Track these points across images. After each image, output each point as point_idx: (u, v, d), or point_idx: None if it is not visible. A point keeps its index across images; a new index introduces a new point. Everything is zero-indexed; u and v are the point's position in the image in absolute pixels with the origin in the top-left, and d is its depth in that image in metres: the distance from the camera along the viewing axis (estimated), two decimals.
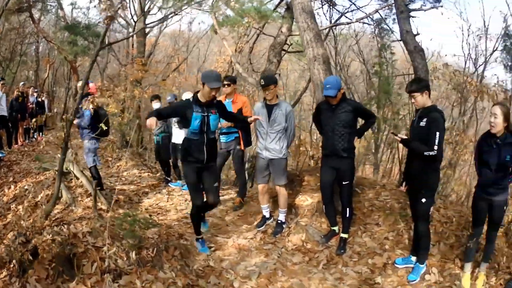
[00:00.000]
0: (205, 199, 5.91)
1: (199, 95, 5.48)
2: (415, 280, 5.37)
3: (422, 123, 5.13)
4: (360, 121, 6.42)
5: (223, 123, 7.27)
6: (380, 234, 6.30)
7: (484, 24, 19.10)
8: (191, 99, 5.56)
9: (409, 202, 5.73)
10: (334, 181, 6.13)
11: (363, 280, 5.40)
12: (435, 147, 4.96)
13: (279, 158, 6.43)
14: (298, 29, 7.46)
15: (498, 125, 4.89)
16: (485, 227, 5.38)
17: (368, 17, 12.60)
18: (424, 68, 7.29)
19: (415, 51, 7.30)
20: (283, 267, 5.64)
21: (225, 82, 7.50)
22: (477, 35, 17.43)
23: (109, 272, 4.40)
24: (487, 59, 16.78)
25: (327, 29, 13.16)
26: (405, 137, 5.34)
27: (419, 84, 5.27)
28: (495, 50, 16.39)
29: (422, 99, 5.17)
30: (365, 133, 6.85)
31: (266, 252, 6.02)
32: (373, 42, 13.53)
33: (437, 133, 4.97)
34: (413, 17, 7.94)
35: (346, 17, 13.09)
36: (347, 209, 6.11)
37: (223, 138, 7.71)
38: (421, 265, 5.47)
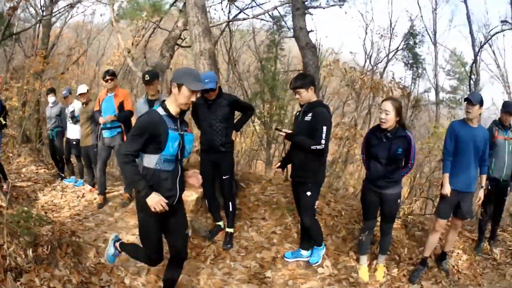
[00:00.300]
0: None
1: (169, 103, 3.92)
2: (317, 262, 5.56)
3: (307, 118, 5.21)
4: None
5: (107, 117, 7.14)
6: (267, 228, 6.41)
7: (391, 24, 20.64)
8: (159, 111, 3.89)
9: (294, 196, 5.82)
10: (215, 176, 6.16)
11: (252, 275, 5.44)
12: (323, 141, 5.07)
13: None
14: (188, 23, 7.49)
15: (390, 120, 5.06)
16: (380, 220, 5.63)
17: (267, 14, 13.08)
18: (314, 64, 7.59)
19: (307, 48, 7.60)
20: None
21: (107, 77, 7.36)
22: (380, 34, 18.77)
23: (10, 271, 4.02)
24: (389, 58, 18.00)
25: (224, 25, 13.54)
26: (289, 131, 5.46)
27: (304, 80, 5.32)
28: (398, 49, 17.66)
29: (307, 95, 5.27)
30: (252, 128, 6.98)
31: None
32: (271, 39, 13.88)
33: (324, 127, 5.09)
34: (309, 14, 8.27)
35: (245, 13, 13.56)
36: (230, 203, 6.15)
37: (106, 134, 7.44)
38: (320, 247, 5.64)
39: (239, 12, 13.46)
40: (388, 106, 5.04)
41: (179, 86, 3.80)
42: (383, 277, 5.59)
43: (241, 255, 5.87)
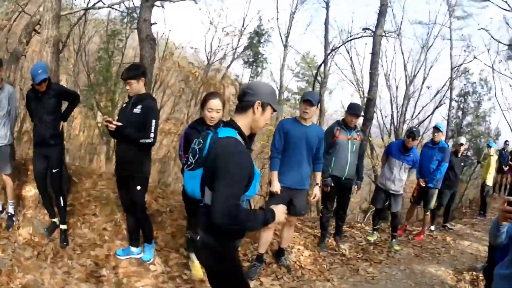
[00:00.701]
0: None
1: (243, 126, 2.95)
2: (150, 259, 5.37)
3: (137, 110, 5.06)
4: None
5: None
6: (99, 225, 6.11)
7: (244, 23, 20.73)
8: (239, 139, 2.88)
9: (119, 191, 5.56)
10: (47, 170, 5.80)
11: (89, 273, 5.15)
12: (152, 135, 4.97)
13: (4, 145, 5.80)
14: (43, 9, 7.10)
15: (218, 118, 4.93)
16: None
17: (123, 4, 12.78)
18: (151, 57, 7.46)
19: (146, 40, 7.46)
20: (19, 263, 5.09)
21: None
22: (226, 32, 18.75)
23: None
24: (235, 55, 18.02)
25: (81, 12, 12.95)
26: (120, 124, 5.15)
27: (136, 71, 5.18)
28: (237, 46, 17.78)
29: (137, 86, 5.10)
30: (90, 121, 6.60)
31: (2, 248, 5.39)
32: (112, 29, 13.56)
33: (153, 121, 4.99)
34: (158, 6, 8.09)
35: (103, 2, 12.76)
36: (60, 198, 5.80)
37: None
38: (151, 244, 5.46)
39: (98, 1, 12.69)
40: (219, 104, 4.85)
41: (265, 106, 2.95)
42: None
43: (77, 253, 5.53)
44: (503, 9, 15.91)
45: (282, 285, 5.54)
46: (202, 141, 2.92)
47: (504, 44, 18.27)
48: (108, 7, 12.74)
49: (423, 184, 8.28)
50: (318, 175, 5.90)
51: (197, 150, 2.93)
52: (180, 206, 6.68)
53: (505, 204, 2.45)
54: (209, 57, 18.65)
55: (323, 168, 6.21)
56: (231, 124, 2.92)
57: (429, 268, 7.16)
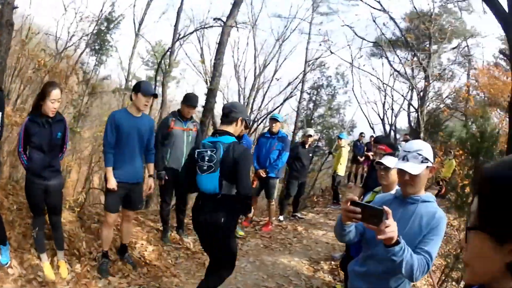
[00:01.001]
0: None
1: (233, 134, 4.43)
2: (8, 262, 4.91)
3: None
4: None
5: None
6: None
7: (102, 9, 19.50)
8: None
9: None
10: None
11: None
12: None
13: None
14: None
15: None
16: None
17: None
18: (7, 44, 6.95)
19: (5, 25, 6.89)
20: None
21: None
22: (80, 17, 17.64)
23: None
24: (88, 42, 16.99)
25: None
26: None
27: None
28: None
29: None
30: None
31: None
32: None
33: (0, 113, 4.70)
34: None
35: None
36: None
37: None
38: (6, 246, 5.01)
39: None
40: (59, 93, 4.71)
41: (243, 121, 4.35)
42: (68, 274, 5.19)
43: None
44: (375, 8, 16.61)
45: (130, 282, 5.44)
46: (214, 149, 4.07)
47: (369, 41, 19.26)
48: None
49: (263, 175, 8.50)
50: (151, 166, 5.91)
51: (212, 155, 4.08)
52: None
53: (348, 204, 2.49)
54: (62, 44, 17.46)
55: (158, 161, 6.35)
56: (228, 133, 4.23)
57: (281, 259, 7.36)
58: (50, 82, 5.25)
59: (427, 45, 17.71)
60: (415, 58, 16.64)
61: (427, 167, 2.78)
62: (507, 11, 5.28)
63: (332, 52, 19.38)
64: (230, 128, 4.27)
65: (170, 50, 15.07)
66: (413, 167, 2.77)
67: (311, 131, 10.34)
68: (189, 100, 6.73)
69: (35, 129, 4.76)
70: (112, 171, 5.29)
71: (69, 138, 5.56)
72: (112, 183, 5.26)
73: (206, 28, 16.25)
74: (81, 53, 17.78)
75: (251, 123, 7.77)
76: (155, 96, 5.64)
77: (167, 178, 6.63)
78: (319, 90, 24.12)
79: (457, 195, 7.79)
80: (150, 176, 5.88)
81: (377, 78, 23.40)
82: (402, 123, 38.73)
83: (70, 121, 12.39)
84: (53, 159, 4.91)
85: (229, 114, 4.27)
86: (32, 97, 10.80)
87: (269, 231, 8.80)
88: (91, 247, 5.87)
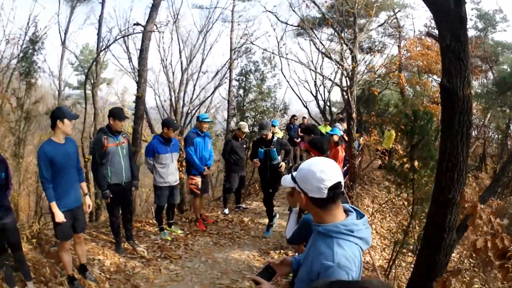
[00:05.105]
0: None
1: None
2: None
3: None
4: None
5: None
6: None
7: (28, 24, 19.04)
8: None
9: None
10: None
11: None
12: None
13: None
14: None
15: None
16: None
17: None
18: None
19: None
20: None
21: None
22: (7, 39, 17.37)
23: None
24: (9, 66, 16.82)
25: None
26: None
27: None
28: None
29: None
30: None
31: None
32: None
33: None
34: None
35: None
36: None
37: None
38: None
39: None
40: None
41: None
42: None
43: None
44: None
45: None
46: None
47: (292, 25, 19.52)
48: None
49: (208, 172, 9.27)
50: (84, 185, 6.14)
51: None
52: None
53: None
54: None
55: (100, 180, 6.81)
56: None
57: (232, 254, 7.86)
58: None
59: (353, 23, 18.30)
60: (341, 38, 17.13)
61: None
62: None
63: (252, 43, 19.76)
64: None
65: (95, 60, 15.16)
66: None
67: (245, 127, 10.72)
68: (117, 115, 6.93)
69: None
70: (55, 206, 5.46)
71: (12, 168, 5.77)
72: (59, 217, 5.46)
73: (127, 35, 16.48)
74: (10, 78, 17.49)
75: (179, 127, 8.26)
76: (76, 118, 5.73)
77: (111, 196, 6.96)
78: (247, 76, 24.37)
79: (397, 174, 8.56)
80: (86, 194, 6.18)
81: (305, 60, 23.75)
82: (338, 95, 39.43)
83: (12, 149, 12.39)
84: (1, 199, 5.12)
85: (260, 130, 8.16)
86: None
87: (207, 224, 9.43)
88: (55, 271, 6.08)
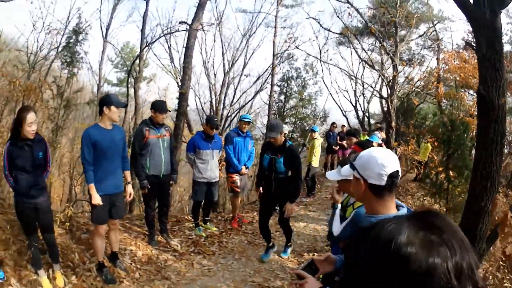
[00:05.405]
0: None
1: None
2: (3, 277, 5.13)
3: None
4: None
5: None
6: None
7: (69, 17, 19.51)
8: None
9: None
10: None
11: None
12: None
13: None
14: None
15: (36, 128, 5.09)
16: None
17: None
18: None
19: None
20: None
21: None
22: (49, 30, 17.69)
23: None
24: (57, 56, 17.05)
25: None
26: None
27: None
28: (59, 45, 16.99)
29: None
30: None
31: None
32: None
33: None
34: None
35: None
36: None
37: None
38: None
39: None
40: (34, 116, 5.03)
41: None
42: (65, 285, 5.42)
43: None
44: (338, 0, 16.78)
45: None
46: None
47: (334, 33, 19.48)
48: None
49: (245, 172, 9.03)
50: (128, 174, 6.17)
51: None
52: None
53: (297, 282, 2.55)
54: (31, 59, 17.49)
55: (139, 171, 6.79)
56: None
57: None
58: (24, 107, 5.54)
59: (394, 33, 18.34)
60: (382, 47, 16.96)
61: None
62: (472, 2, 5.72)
63: (297, 47, 19.71)
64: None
65: (139, 56, 15.29)
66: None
67: (285, 128, 10.71)
68: (158, 107, 7.01)
69: (17, 152, 5.02)
70: (94, 188, 5.52)
71: (50, 154, 5.78)
72: (96, 199, 5.49)
73: (173, 33, 16.59)
74: (50, 66, 17.80)
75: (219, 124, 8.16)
76: (126, 106, 5.87)
77: (149, 186, 6.94)
78: (289, 82, 24.56)
79: (432, 184, 8.37)
80: (128, 183, 6.12)
81: (346, 68, 23.89)
82: (376, 106, 39.34)
83: (49, 136, 12.58)
84: (37, 178, 5.17)
85: (273, 128, 6.56)
86: (10, 117, 11.07)
87: (241, 224, 9.28)
88: (84, 258, 6.09)
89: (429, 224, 1.14)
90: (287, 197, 6.80)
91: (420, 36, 22.81)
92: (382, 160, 2.39)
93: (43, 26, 17.41)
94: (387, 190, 2.40)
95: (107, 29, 23.29)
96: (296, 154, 6.94)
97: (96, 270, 5.82)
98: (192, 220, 8.64)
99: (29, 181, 5.07)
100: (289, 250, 7.76)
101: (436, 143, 10.38)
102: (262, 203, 7.44)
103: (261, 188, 7.25)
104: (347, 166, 2.73)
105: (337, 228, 3.95)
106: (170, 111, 7.07)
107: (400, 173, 2.48)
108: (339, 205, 4.17)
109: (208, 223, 8.69)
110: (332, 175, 3.26)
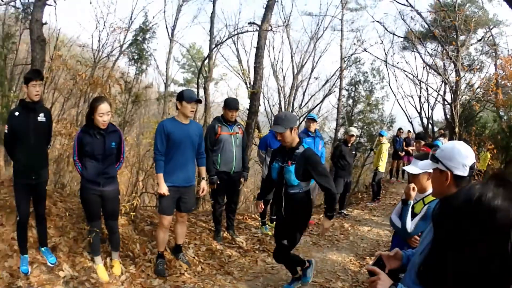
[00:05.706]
0: None
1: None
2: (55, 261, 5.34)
3: (42, 119, 5.20)
4: None
5: None
6: (7, 235, 5.77)
7: (131, 18, 20.20)
8: None
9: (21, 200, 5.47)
10: None
11: (7, 286, 4.96)
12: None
13: None
14: None
15: (108, 120, 5.19)
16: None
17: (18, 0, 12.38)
18: (41, 59, 7.54)
19: (37, 41, 7.46)
20: None
21: None
22: (113, 28, 18.32)
23: None
24: (121, 52, 17.58)
25: None
26: None
27: (41, 73, 5.38)
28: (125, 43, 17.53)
29: (40, 90, 5.24)
30: None
31: None
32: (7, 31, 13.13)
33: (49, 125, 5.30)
34: (50, 5, 8.17)
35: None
36: None
37: None
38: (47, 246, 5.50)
39: None
40: (108, 107, 5.13)
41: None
42: (122, 274, 5.49)
43: None
44: (400, 3, 16.63)
45: (185, 281, 5.67)
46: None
47: (399, 37, 19.25)
48: (4, 4, 12.32)
49: None
50: (203, 170, 6.18)
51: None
52: (77, 208, 6.59)
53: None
54: (96, 55, 18.15)
55: (209, 166, 6.69)
56: None
57: (329, 255, 7.56)
58: (97, 97, 5.63)
59: (455, 37, 18.03)
60: (444, 51, 16.66)
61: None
62: None
63: (365, 50, 19.58)
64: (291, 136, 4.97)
65: (208, 56, 15.51)
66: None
67: (354, 130, 10.63)
68: (230, 104, 7.01)
69: (87, 139, 5.12)
70: (162, 177, 5.59)
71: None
72: (163, 189, 5.56)
73: (242, 33, 16.67)
74: (115, 62, 18.37)
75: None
76: (199, 101, 5.89)
77: (219, 182, 6.93)
78: (357, 86, 24.37)
79: None
80: (202, 179, 6.13)
81: (411, 73, 23.74)
82: (439, 114, 38.55)
83: None
84: (108, 167, 5.25)
85: (283, 122, 4.81)
86: (74, 109, 11.43)
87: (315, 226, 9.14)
88: (145, 249, 6.15)
89: (506, 182, 1.45)
90: (297, 225, 5.25)
91: (479, 40, 22.41)
92: (465, 151, 2.47)
93: (104, 24, 18.19)
94: (468, 182, 2.39)
95: (172, 30, 23.82)
96: (312, 160, 4.90)
97: (158, 259, 5.81)
98: (259, 218, 8.60)
99: (98, 168, 5.17)
100: (297, 283, 5.72)
101: (495, 151, 10.07)
102: (278, 226, 5.56)
103: (261, 203, 5.98)
104: (426, 160, 2.77)
105: (410, 224, 3.92)
106: (238, 108, 7.04)
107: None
108: (411, 202, 4.11)
109: (275, 222, 8.46)
110: (412, 168, 3.42)
